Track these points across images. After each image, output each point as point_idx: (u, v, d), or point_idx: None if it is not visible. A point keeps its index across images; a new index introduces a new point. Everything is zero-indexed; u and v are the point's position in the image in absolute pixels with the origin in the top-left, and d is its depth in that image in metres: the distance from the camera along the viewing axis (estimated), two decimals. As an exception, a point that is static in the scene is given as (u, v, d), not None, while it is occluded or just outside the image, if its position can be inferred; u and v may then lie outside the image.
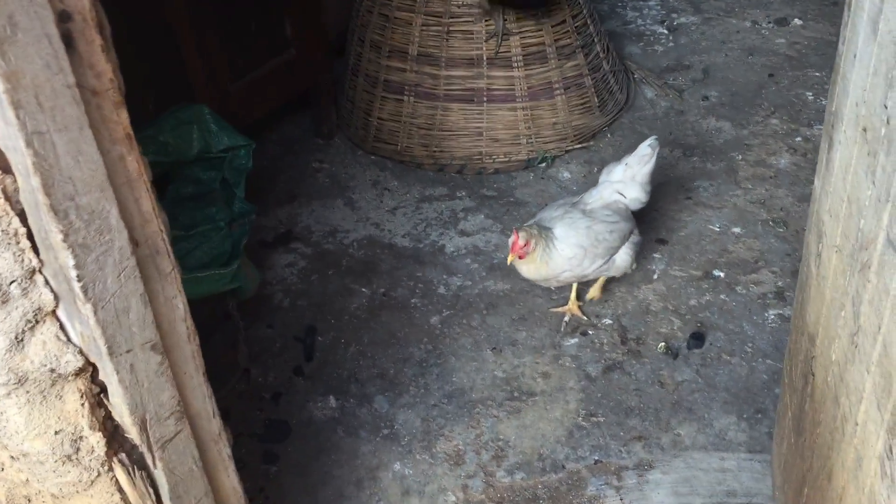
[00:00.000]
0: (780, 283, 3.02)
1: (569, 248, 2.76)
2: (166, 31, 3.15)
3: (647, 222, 3.34)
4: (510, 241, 2.71)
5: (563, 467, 2.46)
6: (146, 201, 1.38)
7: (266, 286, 3.18)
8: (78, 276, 1.27)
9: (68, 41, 1.18)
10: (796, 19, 4.70)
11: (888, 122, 1.36)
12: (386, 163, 3.87)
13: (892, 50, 1.37)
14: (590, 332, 2.90)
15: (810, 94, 4.07)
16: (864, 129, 1.51)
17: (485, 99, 3.67)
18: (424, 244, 3.37)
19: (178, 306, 1.50)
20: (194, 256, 2.49)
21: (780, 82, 4.18)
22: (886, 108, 1.38)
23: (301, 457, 2.55)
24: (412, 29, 3.66)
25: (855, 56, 1.62)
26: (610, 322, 2.93)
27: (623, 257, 2.90)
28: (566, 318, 2.97)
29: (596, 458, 2.48)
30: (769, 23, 4.70)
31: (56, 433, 1.45)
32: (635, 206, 2.97)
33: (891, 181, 1.34)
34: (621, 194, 2.94)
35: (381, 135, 3.85)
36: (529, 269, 2.79)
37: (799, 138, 3.77)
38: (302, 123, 4.18)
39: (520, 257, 2.73)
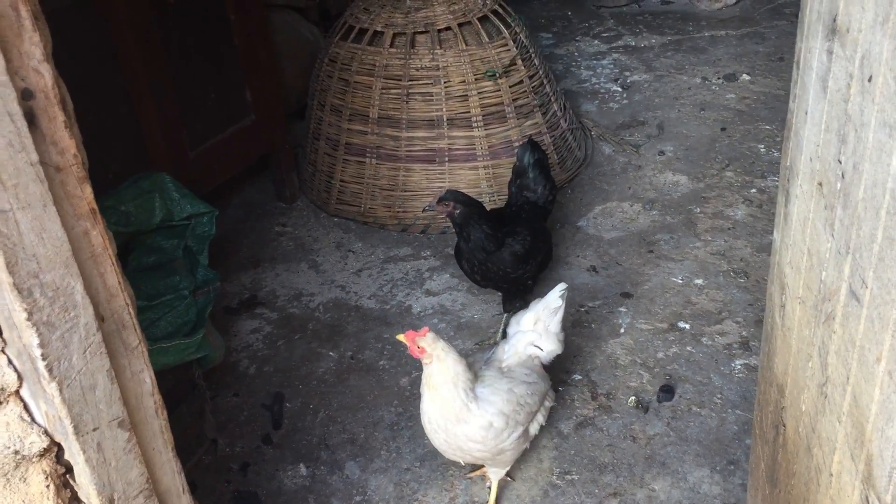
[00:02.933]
0: (744, 333, 3.05)
1: (490, 415, 2.28)
2: (124, 99, 3.15)
3: (612, 276, 3.37)
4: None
5: (540, 528, 2.43)
6: (112, 275, 1.36)
7: (231, 353, 3.14)
8: (42, 354, 1.25)
9: (31, 119, 1.17)
10: (744, 75, 4.85)
11: (843, 176, 1.40)
12: (349, 224, 3.87)
13: (841, 107, 1.41)
14: (559, 389, 2.89)
15: (762, 146, 4.18)
16: (820, 184, 1.56)
17: (446, 158, 3.71)
18: (391, 305, 3.36)
19: (146, 380, 1.47)
20: (158, 326, 2.45)
21: (733, 136, 4.29)
22: (840, 162, 1.42)
23: (271, 529, 2.49)
24: (372, 92, 3.70)
25: (806, 113, 1.68)
26: (580, 377, 2.93)
27: (535, 426, 2.50)
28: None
29: (572, 517, 2.45)
30: (719, 79, 4.85)
31: (19, 518, 1.40)
32: (549, 359, 2.63)
33: (849, 234, 1.37)
34: (538, 347, 2.59)
35: (344, 197, 3.87)
36: (432, 409, 2.29)
37: (754, 190, 3.85)
38: (263, 188, 4.18)
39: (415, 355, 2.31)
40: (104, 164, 3.08)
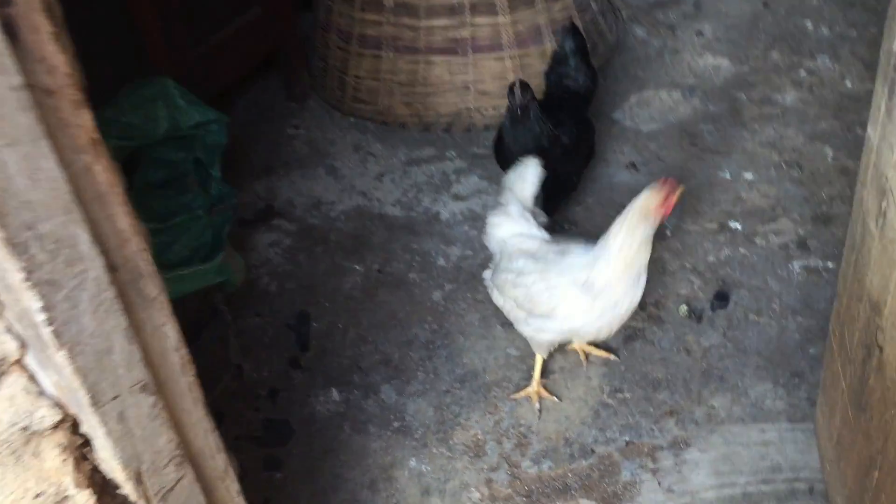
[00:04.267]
0: (801, 232, 2.84)
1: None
2: (117, -6, 2.84)
3: (654, 173, 3.13)
4: (659, 194, 2.01)
5: (593, 452, 2.28)
6: (122, 217, 1.14)
7: (250, 269, 2.94)
8: (48, 319, 1.04)
9: (10, 32, 0.92)
10: (786, -58, 4.45)
11: None
12: (367, 125, 3.60)
13: None
14: (605, 299, 2.70)
15: (808, 22, 3.85)
16: (956, 75, 1.30)
17: (469, 49, 3.40)
18: (417, 212, 3.14)
19: (169, 335, 1.26)
20: (173, 251, 2.24)
21: (777, 11, 3.96)
22: None
23: (306, 460, 2.34)
24: (386, -23, 3.37)
25: (933, -13, 1.40)
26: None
27: None
28: (537, 406, 2.41)
29: (627, 438, 2.30)
30: (757, -52, 4.45)
31: (36, 496, 1.22)
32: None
33: None
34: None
35: (360, 94, 3.58)
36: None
37: (803, 71, 3.56)
38: (271, 87, 3.89)
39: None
40: (98, 70, 2.80)
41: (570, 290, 2.12)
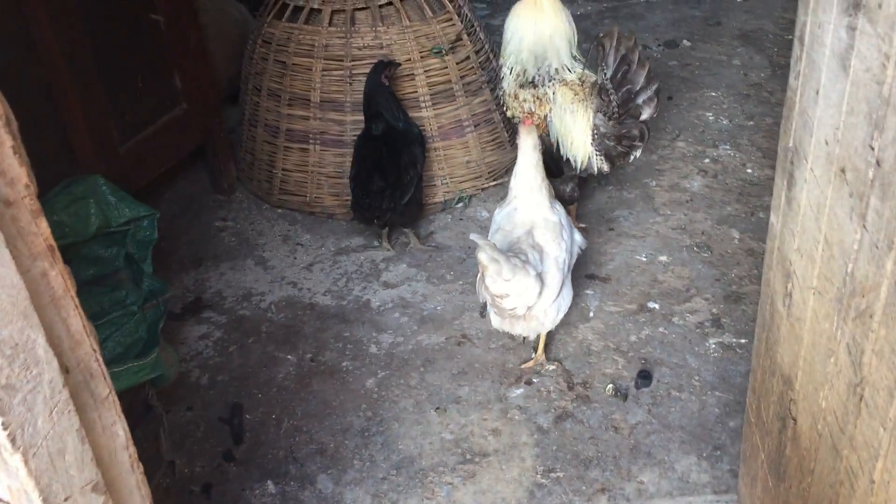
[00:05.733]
0: (714, 311, 3.00)
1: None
2: (45, 93, 2.87)
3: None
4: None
5: (530, 532, 2.32)
6: (75, 319, 1.17)
7: (181, 363, 2.92)
8: (3, 423, 1.05)
9: (-27, 146, 0.97)
10: (684, 41, 4.80)
11: (878, 164, 1.30)
12: (295, 216, 3.66)
13: (873, 89, 1.31)
14: (535, 381, 2.78)
15: (710, 114, 4.13)
16: (843, 170, 1.45)
17: (395, 142, 3.53)
18: (348, 300, 3.19)
19: (119, 433, 1.28)
20: (106, 347, 2.23)
21: (680, 104, 4.23)
22: (873, 149, 1.32)
23: (244, 555, 2.31)
24: (312, 74, 3.49)
25: (818, 92, 1.57)
26: (553, 367, 2.83)
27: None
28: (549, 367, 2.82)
29: (562, 518, 2.35)
30: (659, 45, 4.78)
31: None
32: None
33: (890, 226, 1.27)
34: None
35: (288, 186, 3.65)
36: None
37: (707, 160, 3.80)
38: (198, 179, 3.93)
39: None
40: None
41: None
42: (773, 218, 1.92)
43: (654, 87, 2.98)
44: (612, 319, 3.00)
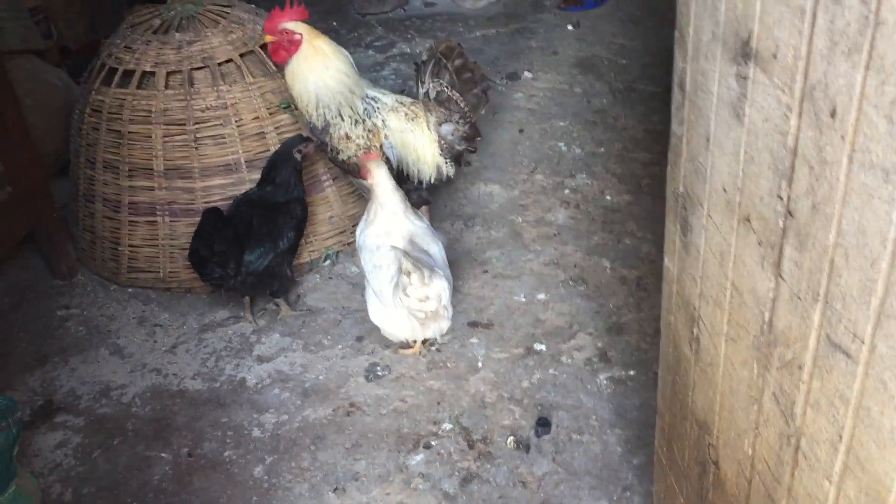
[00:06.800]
0: (599, 345, 2.99)
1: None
2: None
3: (454, 304, 3.17)
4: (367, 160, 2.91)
5: None
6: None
7: (38, 479, 2.59)
8: None
9: None
10: (526, 72, 4.86)
11: (791, 214, 1.28)
12: (149, 294, 3.38)
13: (776, 139, 1.29)
14: (433, 443, 2.66)
15: (562, 144, 4.18)
16: (748, 219, 1.43)
17: (251, 205, 3.33)
18: (221, 382, 2.95)
19: None
20: (-49, 489, 1.92)
21: (532, 136, 4.26)
22: (782, 199, 1.30)
23: None
24: (153, 142, 3.24)
25: (708, 140, 1.56)
26: (450, 426, 2.72)
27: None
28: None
29: (485, 591, 2.24)
30: (502, 78, 4.82)
31: None
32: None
33: (815, 279, 1.24)
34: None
35: (137, 263, 3.37)
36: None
37: (567, 190, 3.83)
38: (31, 264, 3.57)
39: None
40: None
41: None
42: (667, 262, 1.90)
43: (483, 84, 3.27)
44: (501, 367, 2.93)
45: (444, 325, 2.89)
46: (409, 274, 2.62)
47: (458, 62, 3.22)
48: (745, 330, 1.52)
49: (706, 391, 1.76)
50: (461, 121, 3.23)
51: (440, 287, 2.69)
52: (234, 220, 3.02)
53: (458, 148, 3.27)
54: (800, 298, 1.30)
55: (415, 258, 2.68)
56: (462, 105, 3.21)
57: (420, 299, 2.67)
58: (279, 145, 3.20)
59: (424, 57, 3.34)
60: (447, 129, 3.23)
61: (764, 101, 1.31)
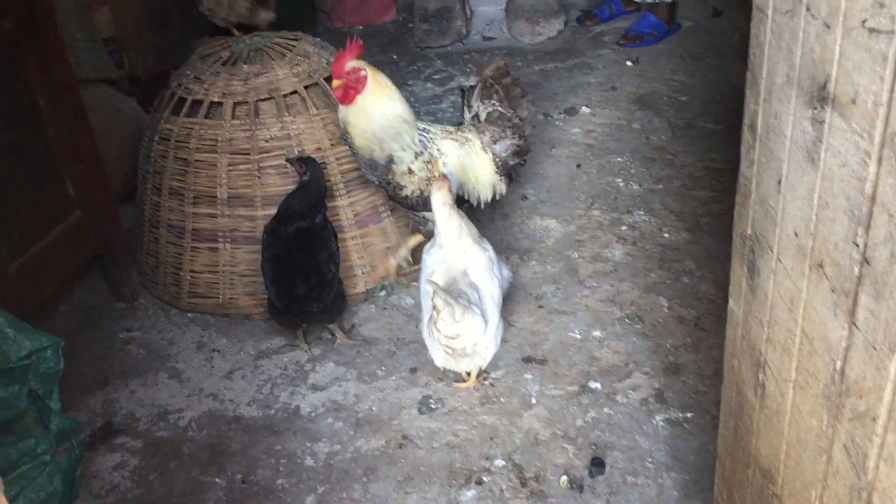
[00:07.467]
0: (656, 385, 2.94)
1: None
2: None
3: (508, 339, 3.17)
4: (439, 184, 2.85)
5: None
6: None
7: (96, 500, 2.64)
8: None
9: None
10: (584, 107, 4.85)
11: (868, 262, 1.25)
12: (208, 319, 3.43)
13: (854, 185, 1.27)
14: (485, 480, 2.64)
15: (620, 180, 4.15)
16: (820, 265, 1.41)
17: (310, 234, 3.37)
18: (275, 409, 2.98)
19: None
20: (16, 507, 1.96)
21: (589, 172, 4.25)
22: (858, 246, 1.28)
23: None
24: (218, 171, 3.31)
25: (780, 182, 1.54)
26: (503, 463, 2.70)
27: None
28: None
29: None
30: (560, 113, 4.82)
31: None
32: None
33: (891, 328, 1.22)
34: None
35: (198, 289, 3.43)
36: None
37: (624, 227, 3.80)
38: (95, 287, 3.66)
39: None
40: None
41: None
42: (732, 304, 1.87)
43: (528, 97, 3.43)
44: (555, 404, 2.90)
45: (480, 361, 2.86)
46: (438, 310, 2.59)
47: (506, 80, 3.35)
48: (815, 378, 1.49)
49: (771, 439, 1.72)
50: (515, 135, 3.33)
51: (472, 326, 2.64)
52: (292, 256, 3.05)
53: (510, 163, 3.36)
54: (875, 349, 1.26)
55: (452, 292, 2.65)
56: (516, 120, 3.32)
57: (449, 336, 2.65)
58: (310, 181, 3.13)
59: (472, 82, 3.40)
60: (501, 146, 3.32)
61: (841, 146, 1.29)
